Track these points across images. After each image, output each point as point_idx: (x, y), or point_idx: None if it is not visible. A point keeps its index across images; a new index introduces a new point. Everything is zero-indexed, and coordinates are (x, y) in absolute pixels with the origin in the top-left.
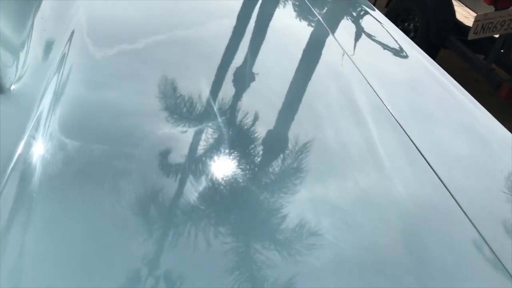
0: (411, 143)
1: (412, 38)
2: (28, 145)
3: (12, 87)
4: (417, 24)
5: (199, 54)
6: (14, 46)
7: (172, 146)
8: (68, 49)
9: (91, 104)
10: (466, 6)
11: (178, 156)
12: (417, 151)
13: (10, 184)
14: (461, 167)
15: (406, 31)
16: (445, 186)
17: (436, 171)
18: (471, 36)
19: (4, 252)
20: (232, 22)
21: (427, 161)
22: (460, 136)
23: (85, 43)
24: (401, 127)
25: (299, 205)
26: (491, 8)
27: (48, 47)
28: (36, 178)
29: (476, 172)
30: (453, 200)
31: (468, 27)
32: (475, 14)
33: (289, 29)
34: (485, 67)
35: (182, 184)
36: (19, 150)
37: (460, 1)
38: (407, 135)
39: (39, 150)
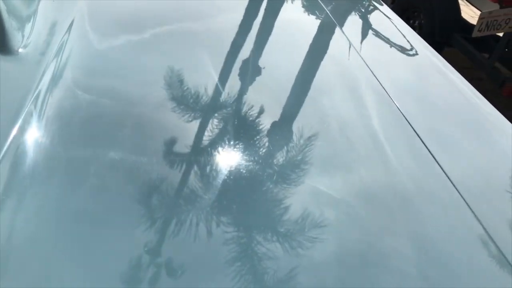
0: (416, 135)
1: None
2: (35, 103)
3: (20, 49)
4: (422, 21)
5: (204, 46)
6: (23, 14)
7: (172, 137)
8: (73, 20)
9: (93, 68)
10: (471, 4)
11: (181, 147)
12: (423, 144)
13: (16, 138)
14: (466, 162)
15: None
16: (450, 179)
17: (442, 165)
18: (475, 34)
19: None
20: (239, 16)
21: (432, 155)
22: (466, 131)
23: (88, 14)
24: (406, 119)
25: (302, 197)
26: (497, 6)
27: (54, 17)
28: (41, 133)
29: (481, 167)
30: (458, 193)
31: (473, 26)
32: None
33: (296, 23)
34: (489, 65)
35: (185, 175)
36: (26, 107)
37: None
38: (412, 127)
39: (44, 107)
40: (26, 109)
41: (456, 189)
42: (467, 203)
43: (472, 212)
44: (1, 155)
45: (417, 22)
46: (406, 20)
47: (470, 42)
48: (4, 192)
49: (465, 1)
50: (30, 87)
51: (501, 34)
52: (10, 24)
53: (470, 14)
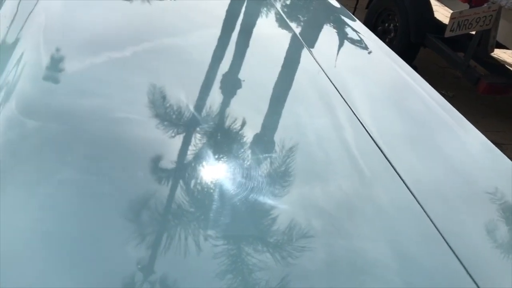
0: (379, 150)
1: (392, 38)
2: None
3: None
4: (397, 24)
5: (184, 61)
6: None
7: (156, 153)
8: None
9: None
10: (443, 4)
11: (164, 162)
12: (388, 163)
13: None
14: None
15: (386, 31)
16: (405, 184)
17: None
18: (447, 34)
19: None
20: (213, 31)
21: (395, 170)
22: (430, 138)
23: (42, 39)
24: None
25: (283, 205)
26: (467, 6)
27: (9, 41)
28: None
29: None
30: (414, 197)
31: (446, 26)
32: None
33: (270, 37)
34: (464, 64)
35: (171, 190)
36: None
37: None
38: (373, 140)
39: None
40: None
41: (412, 193)
42: (419, 203)
43: (426, 214)
44: None
45: (392, 25)
46: (382, 23)
47: (445, 42)
48: None
49: (439, 2)
50: None
51: (473, 33)
52: None
53: (445, 14)
